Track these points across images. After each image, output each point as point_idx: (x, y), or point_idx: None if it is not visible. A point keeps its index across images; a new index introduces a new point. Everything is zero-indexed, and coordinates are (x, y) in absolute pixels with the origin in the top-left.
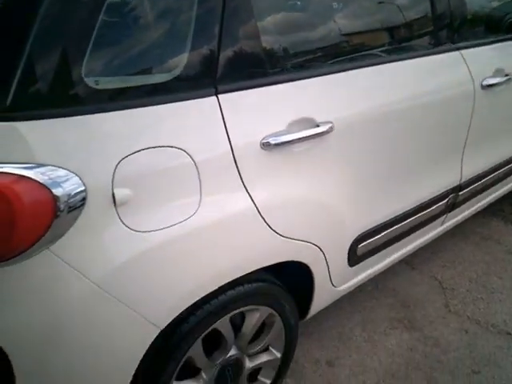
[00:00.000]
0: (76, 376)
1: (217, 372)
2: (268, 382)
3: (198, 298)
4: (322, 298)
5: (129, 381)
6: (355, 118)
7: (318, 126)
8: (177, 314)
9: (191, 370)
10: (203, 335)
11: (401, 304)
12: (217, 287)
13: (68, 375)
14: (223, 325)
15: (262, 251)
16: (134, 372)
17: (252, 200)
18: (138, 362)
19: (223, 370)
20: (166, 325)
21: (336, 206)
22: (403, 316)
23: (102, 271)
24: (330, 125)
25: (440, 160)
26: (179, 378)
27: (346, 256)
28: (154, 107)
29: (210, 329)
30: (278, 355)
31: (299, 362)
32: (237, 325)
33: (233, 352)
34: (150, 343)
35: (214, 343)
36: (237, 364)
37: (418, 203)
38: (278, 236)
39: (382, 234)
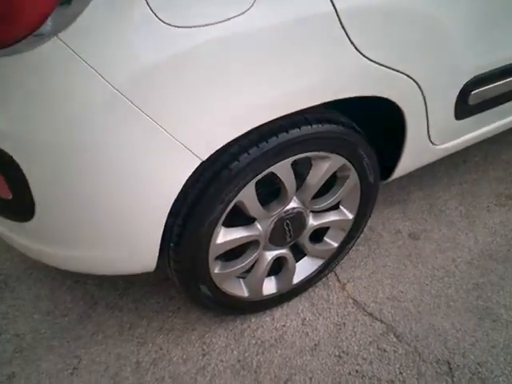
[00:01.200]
0: (98, 200)
1: (273, 224)
2: (335, 244)
3: (247, 129)
4: (413, 156)
5: (164, 216)
6: None
7: None
8: (221, 145)
9: (246, 220)
10: (257, 178)
11: None
12: (274, 118)
13: (87, 197)
14: (282, 170)
15: (336, 76)
16: (170, 205)
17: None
18: (175, 195)
19: (281, 224)
20: (207, 156)
21: (447, 27)
22: None
23: (124, 74)
24: None
25: None
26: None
27: (453, 103)
28: None
29: (265, 172)
30: (350, 216)
31: (376, 231)
32: (301, 174)
33: (294, 205)
34: (188, 174)
35: (273, 192)
36: (298, 219)
37: None
38: (361, 57)
39: (507, 80)
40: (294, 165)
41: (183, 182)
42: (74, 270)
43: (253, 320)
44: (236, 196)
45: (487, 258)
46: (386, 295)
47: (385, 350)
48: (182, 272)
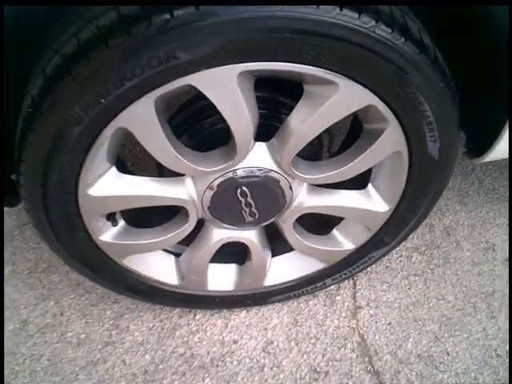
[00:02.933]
0: None
1: (215, 188)
2: (349, 246)
3: None
4: None
5: None
6: None
7: None
8: None
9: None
10: (158, 92)
11: None
12: None
13: None
14: (218, 86)
15: None
16: None
17: None
18: None
19: (232, 191)
20: None
21: None
22: None
23: None
24: None
25: None
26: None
27: None
28: None
29: (174, 83)
30: (383, 208)
31: (454, 235)
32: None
33: (259, 163)
34: None
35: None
36: (267, 189)
37: None
38: None
39: None
40: (261, 83)
41: None
42: None
43: (197, 317)
44: (113, 118)
45: None
46: (419, 350)
47: None
48: (42, 230)
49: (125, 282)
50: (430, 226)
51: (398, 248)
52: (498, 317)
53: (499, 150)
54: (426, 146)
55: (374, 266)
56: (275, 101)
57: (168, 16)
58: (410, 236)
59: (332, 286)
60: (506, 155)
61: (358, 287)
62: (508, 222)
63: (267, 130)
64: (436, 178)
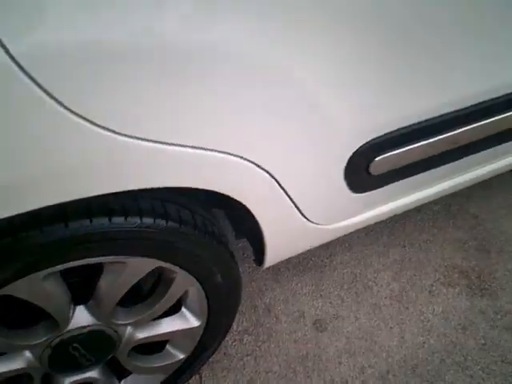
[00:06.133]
0: None
1: (49, 351)
2: (180, 356)
3: None
4: (283, 239)
5: None
6: None
7: None
8: None
9: None
10: None
11: None
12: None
13: None
14: (20, 289)
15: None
16: None
17: None
18: None
19: (65, 349)
20: None
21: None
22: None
23: None
24: None
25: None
26: None
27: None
28: None
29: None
30: (196, 323)
31: (274, 311)
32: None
33: (83, 322)
34: None
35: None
36: (96, 339)
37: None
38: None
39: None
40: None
41: None
42: None
43: None
44: None
45: (410, 373)
46: None
47: None
48: None
49: None
50: (253, 306)
51: (231, 334)
52: (313, 377)
53: (271, 257)
54: (212, 277)
55: (214, 356)
56: (88, 269)
57: None
58: (240, 320)
59: None
60: (284, 257)
61: (203, 379)
62: (313, 288)
63: (87, 293)
64: (228, 298)
